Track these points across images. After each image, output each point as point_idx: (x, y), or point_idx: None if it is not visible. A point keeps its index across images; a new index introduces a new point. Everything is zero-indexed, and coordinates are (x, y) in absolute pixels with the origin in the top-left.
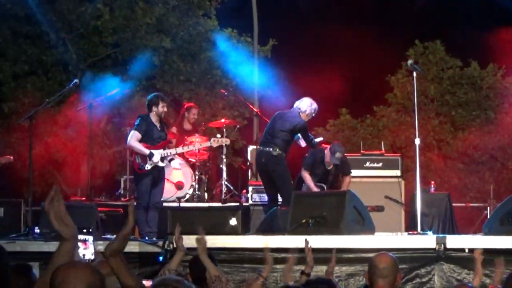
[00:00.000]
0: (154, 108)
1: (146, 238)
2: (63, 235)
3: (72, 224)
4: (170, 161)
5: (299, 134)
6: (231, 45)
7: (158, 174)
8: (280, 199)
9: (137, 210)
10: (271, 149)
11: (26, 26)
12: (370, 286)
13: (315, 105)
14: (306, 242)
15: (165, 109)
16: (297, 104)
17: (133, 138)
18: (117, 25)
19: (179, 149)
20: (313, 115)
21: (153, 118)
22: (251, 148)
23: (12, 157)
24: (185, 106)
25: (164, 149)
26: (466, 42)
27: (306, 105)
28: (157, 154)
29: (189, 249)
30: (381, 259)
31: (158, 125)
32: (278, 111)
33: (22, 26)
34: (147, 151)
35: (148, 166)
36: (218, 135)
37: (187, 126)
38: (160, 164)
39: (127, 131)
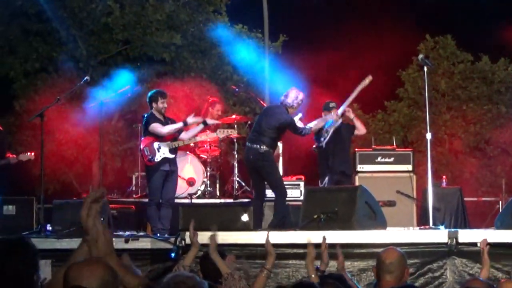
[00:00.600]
0: (154, 105)
1: (158, 235)
2: (92, 235)
3: (102, 227)
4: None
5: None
6: (242, 41)
7: (169, 170)
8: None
9: (149, 207)
10: (258, 146)
11: (37, 24)
12: (378, 281)
13: (301, 95)
14: (324, 239)
15: (165, 104)
16: (283, 99)
17: (159, 127)
18: (127, 22)
19: (187, 141)
20: (301, 104)
21: (156, 114)
22: None
23: (33, 154)
24: (210, 101)
25: (172, 141)
26: (477, 36)
27: (291, 99)
28: (166, 147)
29: (202, 245)
30: (388, 255)
31: (162, 120)
32: (265, 107)
33: (33, 24)
34: (181, 123)
35: (157, 158)
36: (228, 129)
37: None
38: (169, 155)
39: (138, 127)
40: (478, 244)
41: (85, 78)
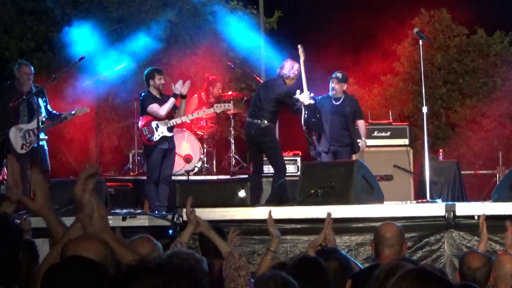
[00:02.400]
0: (151, 82)
1: (156, 212)
2: (86, 210)
3: (97, 202)
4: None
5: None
6: (237, 17)
7: (168, 148)
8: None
9: (147, 184)
10: (259, 121)
11: (31, 2)
12: (376, 256)
13: (296, 65)
14: (328, 215)
15: (162, 81)
16: (279, 71)
17: (156, 108)
18: (122, 0)
19: (184, 118)
20: (297, 74)
21: (153, 91)
22: None
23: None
24: (210, 79)
25: (170, 119)
26: (472, 9)
27: (287, 70)
28: (164, 126)
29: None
30: (387, 229)
31: (159, 97)
32: (264, 81)
33: (27, 2)
34: (172, 99)
35: (156, 137)
36: (224, 104)
37: (212, 100)
38: (168, 134)
39: (134, 105)
40: (476, 217)
41: (80, 57)
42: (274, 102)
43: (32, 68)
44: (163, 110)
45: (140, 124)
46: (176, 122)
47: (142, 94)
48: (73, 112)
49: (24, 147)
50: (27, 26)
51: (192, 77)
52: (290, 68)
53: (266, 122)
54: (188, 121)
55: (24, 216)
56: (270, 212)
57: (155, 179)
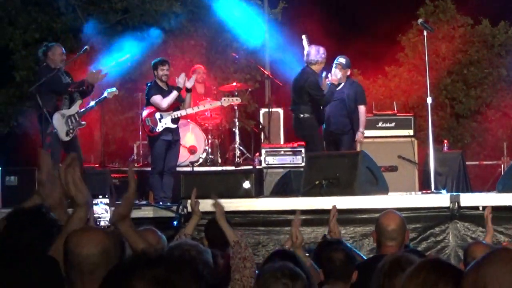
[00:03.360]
0: (155, 72)
1: (161, 203)
2: (77, 201)
3: (87, 191)
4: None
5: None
6: (241, 8)
7: (172, 139)
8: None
9: (151, 176)
10: (299, 114)
11: None
12: (378, 247)
13: (321, 49)
14: (334, 208)
15: (166, 72)
16: (306, 59)
17: (159, 100)
18: None
19: (189, 110)
20: (324, 57)
21: (159, 82)
22: (263, 111)
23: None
24: (192, 69)
25: (174, 111)
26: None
27: (314, 55)
28: (168, 117)
29: (203, 213)
30: (389, 221)
31: (165, 88)
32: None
33: None
34: (175, 92)
35: (159, 128)
36: (232, 97)
37: (200, 89)
38: (171, 125)
39: (139, 96)
40: (481, 208)
41: (84, 48)
42: (304, 93)
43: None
44: (165, 102)
45: (143, 114)
46: (180, 114)
47: (148, 84)
48: (104, 95)
49: (70, 134)
50: (31, 17)
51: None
52: (316, 53)
53: (305, 114)
54: (193, 113)
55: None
56: (298, 212)
57: (159, 170)
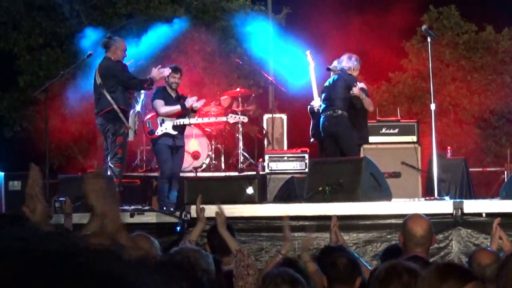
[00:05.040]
0: (166, 79)
1: (164, 208)
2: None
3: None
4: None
5: None
6: (245, 14)
7: (173, 145)
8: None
9: (159, 180)
10: (334, 111)
11: None
12: (405, 251)
13: (353, 56)
14: (334, 218)
15: (177, 80)
16: (341, 67)
17: (159, 106)
18: None
19: (193, 120)
20: (359, 62)
21: (168, 89)
22: (266, 116)
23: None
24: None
25: (177, 118)
26: (481, 6)
27: (346, 62)
28: (169, 122)
29: (207, 219)
30: (418, 227)
31: (173, 95)
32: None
33: None
34: (178, 106)
35: (158, 132)
36: (239, 115)
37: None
38: (172, 132)
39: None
40: (484, 215)
41: (88, 53)
42: (340, 92)
43: None
44: (163, 109)
45: (146, 116)
46: (183, 122)
47: (157, 88)
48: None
49: (136, 133)
50: (35, 22)
51: (200, 74)
52: (347, 59)
53: (338, 111)
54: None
55: (64, 198)
56: (287, 216)
57: (168, 174)
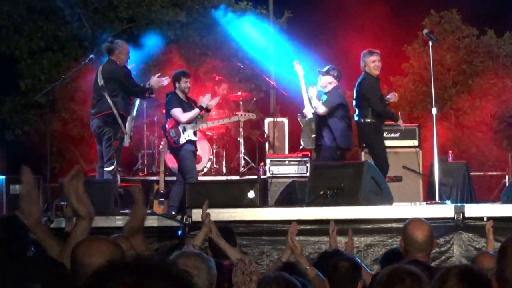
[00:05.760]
0: (177, 84)
1: (174, 213)
2: (80, 213)
3: (90, 203)
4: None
5: None
6: (246, 17)
7: (194, 149)
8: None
9: (178, 183)
10: (360, 120)
11: (41, 2)
12: (406, 255)
13: (366, 52)
14: (332, 224)
15: (188, 84)
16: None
17: (179, 114)
18: (132, 0)
19: (210, 123)
20: (376, 60)
21: (179, 94)
22: (268, 120)
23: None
24: (216, 79)
25: (196, 123)
26: (482, 10)
27: (361, 61)
28: (191, 129)
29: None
30: (419, 232)
31: (185, 100)
32: None
33: (37, 2)
34: (196, 109)
35: (182, 140)
36: (248, 113)
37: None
38: (194, 138)
39: (144, 105)
40: (485, 219)
41: (90, 57)
42: (362, 97)
43: None
44: (184, 117)
45: (168, 126)
46: (202, 127)
47: (168, 95)
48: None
49: (131, 139)
50: (37, 26)
51: (201, 77)
52: (362, 57)
53: (362, 120)
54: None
55: (66, 202)
56: (295, 224)
57: (196, 179)
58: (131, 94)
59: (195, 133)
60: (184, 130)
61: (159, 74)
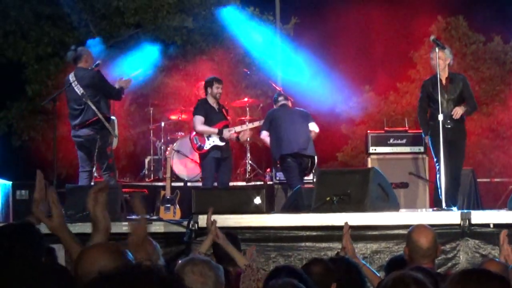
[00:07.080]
0: (209, 90)
1: None
2: (99, 226)
3: (108, 217)
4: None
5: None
6: (253, 23)
7: (221, 157)
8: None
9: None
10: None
11: (48, 8)
12: (410, 262)
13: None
14: (346, 225)
15: (220, 90)
16: None
17: (198, 123)
18: (139, 6)
19: (238, 128)
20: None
21: (210, 100)
22: None
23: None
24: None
25: (223, 129)
26: (489, 17)
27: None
28: (216, 135)
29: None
30: (423, 239)
31: (216, 107)
32: None
33: (44, 8)
34: (216, 130)
35: (207, 146)
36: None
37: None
38: (220, 143)
39: (150, 111)
40: (491, 225)
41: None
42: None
43: None
44: (199, 128)
45: (192, 133)
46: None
47: (198, 101)
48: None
49: (117, 142)
50: (44, 31)
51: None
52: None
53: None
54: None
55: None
56: (346, 223)
57: (210, 186)
58: (111, 97)
59: (221, 139)
60: (210, 136)
61: (129, 77)
